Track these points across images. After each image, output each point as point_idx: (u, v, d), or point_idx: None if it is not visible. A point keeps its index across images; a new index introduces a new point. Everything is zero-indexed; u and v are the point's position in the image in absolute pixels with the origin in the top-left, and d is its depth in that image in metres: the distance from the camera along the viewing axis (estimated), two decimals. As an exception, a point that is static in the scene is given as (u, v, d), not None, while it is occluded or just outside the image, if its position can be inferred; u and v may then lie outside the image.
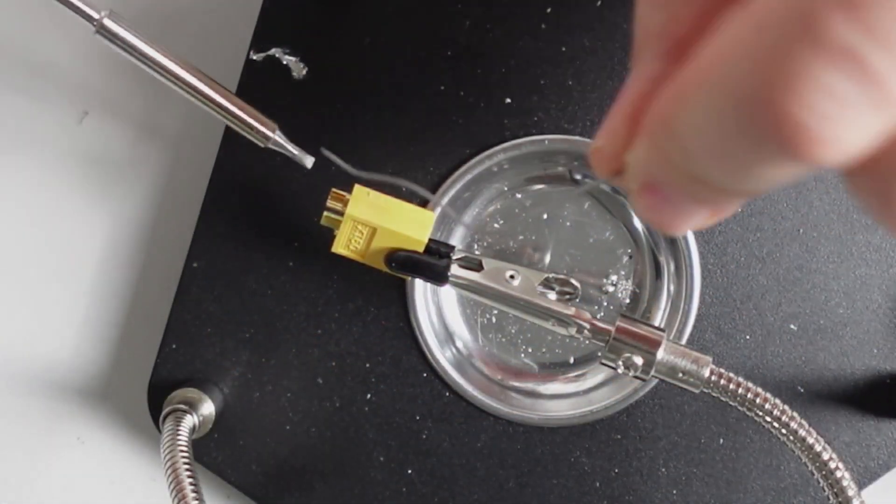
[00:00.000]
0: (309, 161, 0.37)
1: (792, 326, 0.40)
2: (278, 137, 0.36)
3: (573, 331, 0.35)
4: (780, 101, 0.14)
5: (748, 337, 0.40)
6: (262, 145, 0.36)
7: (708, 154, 0.17)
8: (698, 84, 0.16)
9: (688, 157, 0.17)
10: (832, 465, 0.33)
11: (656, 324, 0.40)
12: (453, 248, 0.37)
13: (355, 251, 0.36)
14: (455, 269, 0.36)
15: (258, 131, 0.36)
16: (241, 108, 0.36)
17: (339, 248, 0.36)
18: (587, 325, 0.35)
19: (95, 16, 0.34)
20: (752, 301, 0.40)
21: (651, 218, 0.20)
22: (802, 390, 0.40)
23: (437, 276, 0.36)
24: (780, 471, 0.40)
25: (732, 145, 0.16)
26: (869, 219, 0.40)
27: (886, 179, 0.16)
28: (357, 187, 0.36)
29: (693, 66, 0.16)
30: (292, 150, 0.36)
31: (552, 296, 0.37)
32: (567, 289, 0.37)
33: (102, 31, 0.34)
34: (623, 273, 0.40)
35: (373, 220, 0.36)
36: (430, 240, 0.36)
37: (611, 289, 0.41)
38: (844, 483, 0.33)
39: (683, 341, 0.40)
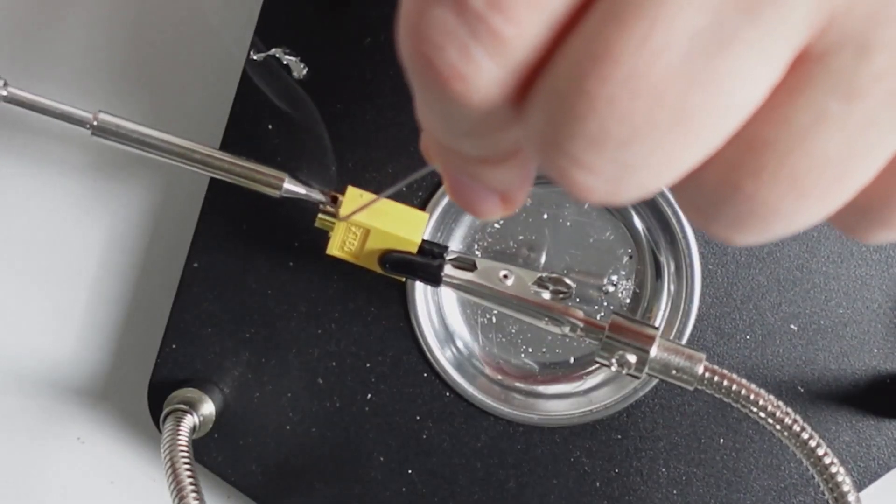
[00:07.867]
0: (321, 197, 0.37)
1: (792, 326, 0.40)
2: (288, 185, 0.36)
3: (567, 329, 0.35)
4: (415, 41, 0.15)
5: (748, 337, 0.40)
6: (276, 196, 0.37)
7: (425, 115, 0.17)
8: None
9: (425, 125, 0.18)
10: (827, 459, 0.33)
11: (656, 324, 0.40)
12: (447, 248, 0.37)
13: (349, 253, 0.36)
14: (449, 270, 0.36)
15: (269, 185, 0.36)
16: (249, 169, 0.36)
17: (334, 249, 0.36)
18: (580, 324, 0.35)
19: (89, 118, 0.35)
20: (752, 301, 0.40)
21: (456, 200, 0.21)
22: (802, 390, 0.40)
23: (431, 277, 0.36)
24: (781, 471, 0.40)
25: (423, 96, 0.16)
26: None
27: (706, 195, 0.16)
28: (350, 189, 0.36)
29: None
30: (304, 192, 0.37)
31: (546, 295, 0.37)
32: (561, 287, 0.37)
33: (98, 132, 0.35)
34: (623, 273, 0.40)
35: (366, 221, 0.36)
36: (424, 240, 0.36)
37: (611, 289, 0.40)
38: (839, 478, 0.33)
39: (684, 341, 0.40)
